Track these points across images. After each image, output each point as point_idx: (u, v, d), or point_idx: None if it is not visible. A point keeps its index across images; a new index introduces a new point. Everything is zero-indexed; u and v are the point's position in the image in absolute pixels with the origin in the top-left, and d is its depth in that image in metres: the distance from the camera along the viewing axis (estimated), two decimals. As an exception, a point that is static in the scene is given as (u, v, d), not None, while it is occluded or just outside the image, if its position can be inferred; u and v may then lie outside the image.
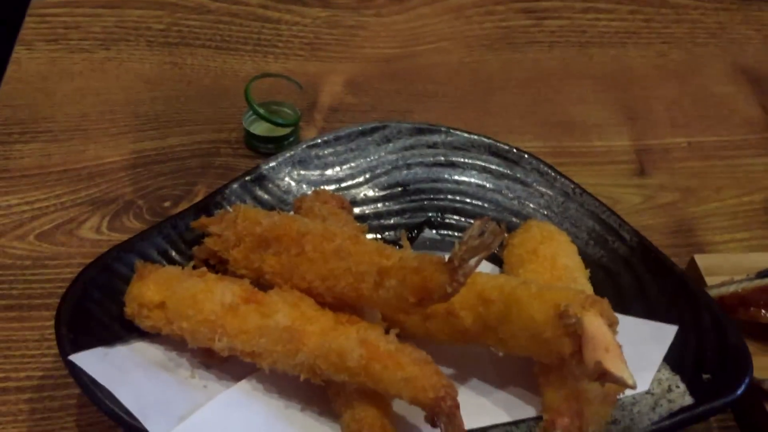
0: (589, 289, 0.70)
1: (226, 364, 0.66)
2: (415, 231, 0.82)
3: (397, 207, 0.84)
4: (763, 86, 1.12)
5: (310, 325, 0.61)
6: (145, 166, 0.94)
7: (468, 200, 0.84)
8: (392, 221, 0.83)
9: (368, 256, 0.62)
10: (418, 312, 0.62)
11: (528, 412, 0.64)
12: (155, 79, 1.06)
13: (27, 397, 0.72)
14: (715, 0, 1.27)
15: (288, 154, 0.83)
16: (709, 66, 1.16)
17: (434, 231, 0.82)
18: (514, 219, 0.82)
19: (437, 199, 0.84)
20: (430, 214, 0.83)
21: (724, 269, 0.78)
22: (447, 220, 0.83)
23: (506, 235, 0.80)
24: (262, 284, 0.67)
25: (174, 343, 0.66)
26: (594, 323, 0.57)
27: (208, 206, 0.77)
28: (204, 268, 0.68)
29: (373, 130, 0.86)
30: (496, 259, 0.78)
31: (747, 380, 0.62)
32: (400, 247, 0.65)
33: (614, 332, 0.59)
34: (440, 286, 0.58)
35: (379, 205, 0.84)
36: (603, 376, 0.55)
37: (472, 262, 0.57)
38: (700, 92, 1.11)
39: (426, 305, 0.60)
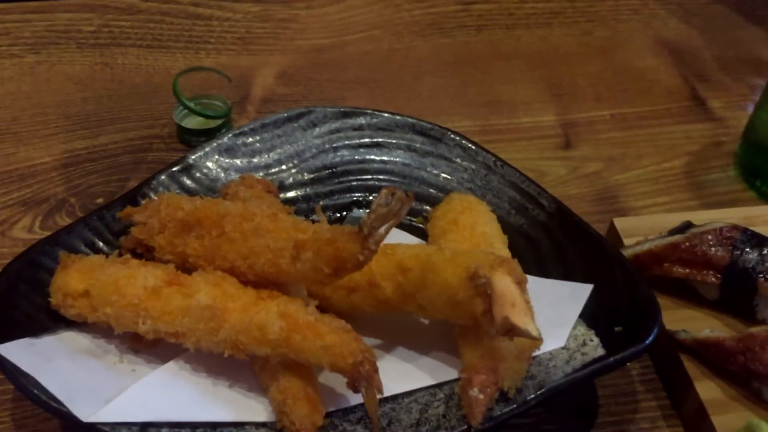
0: (506, 254, 0.72)
1: (155, 349, 0.67)
2: (345, 212, 0.84)
3: (325, 189, 0.85)
4: (683, 58, 1.16)
5: (231, 303, 0.63)
6: (77, 165, 0.95)
7: (394, 179, 0.86)
8: (321, 203, 0.84)
9: (285, 232, 0.64)
10: (334, 282, 0.64)
11: (451, 374, 0.66)
12: (86, 80, 1.07)
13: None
14: (638, -22, 1.30)
15: (215, 143, 0.84)
16: (631, 41, 1.19)
17: (362, 210, 0.84)
18: (440, 194, 0.84)
19: (364, 180, 0.86)
20: (358, 195, 0.85)
21: (640, 230, 0.81)
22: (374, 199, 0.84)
23: (428, 207, 0.82)
24: (188, 268, 0.68)
25: (102, 330, 0.67)
26: (502, 281, 0.60)
27: (135, 197, 0.78)
28: (127, 255, 0.69)
29: (299, 115, 0.88)
30: (423, 234, 0.80)
31: (656, 330, 0.65)
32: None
33: (523, 290, 0.61)
34: (353, 256, 0.60)
35: (308, 188, 0.85)
36: (510, 330, 0.57)
37: (382, 230, 0.59)
38: (623, 66, 1.15)
39: (341, 275, 0.62)
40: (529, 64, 1.15)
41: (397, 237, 0.81)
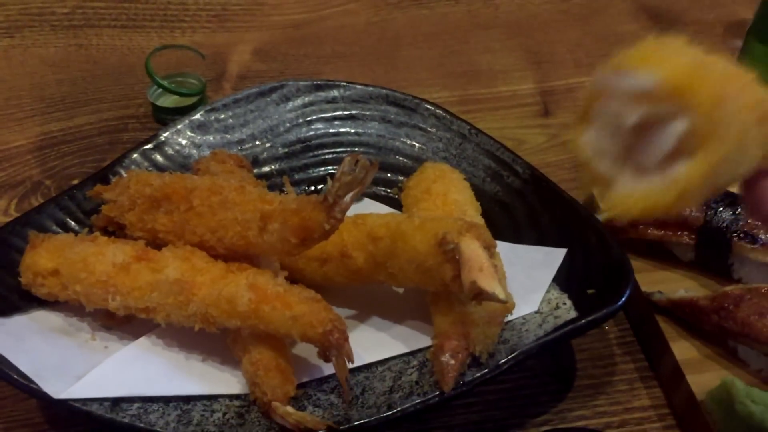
0: (478, 221, 0.72)
1: (127, 326, 0.67)
2: (320, 185, 0.84)
3: (300, 163, 0.85)
4: (661, 22, 1.15)
5: (200, 276, 0.62)
6: (52, 147, 0.94)
7: (369, 150, 0.85)
8: (296, 177, 0.84)
9: (251, 204, 0.63)
10: (302, 252, 0.64)
11: (424, 341, 0.66)
12: (61, 62, 1.06)
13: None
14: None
15: (187, 120, 0.84)
16: (612, 6, 1.18)
17: (338, 183, 0.84)
18: (415, 164, 0.83)
19: (339, 153, 0.85)
20: (333, 168, 0.85)
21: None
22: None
23: (403, 178, 0.82)
24: (159, 245, 0.68)
25: (73, 309, 0.67)
26: (470, 246, 0.59)
27: (107, 176, 0.77)
28: (96, 233, 0.68)
29: (272, 89, 0.87)
30: (398, 204, 0.80)
31: (628, 291, 0.64)
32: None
33: (492, 255, 0.61)
34: (319, 225, 0.59)
35: (282, 163, 0.85)
36: (478, 295, 0.57)
37: (347, 198, 0.59)
38: (603, 32, 1.14)
39: (309, 245, 0.61)
40: (508, 33, 1.14)
41: (372, 208, 0.81)
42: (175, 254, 0.64)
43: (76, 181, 0.90)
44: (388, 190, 0.83)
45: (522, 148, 0.94)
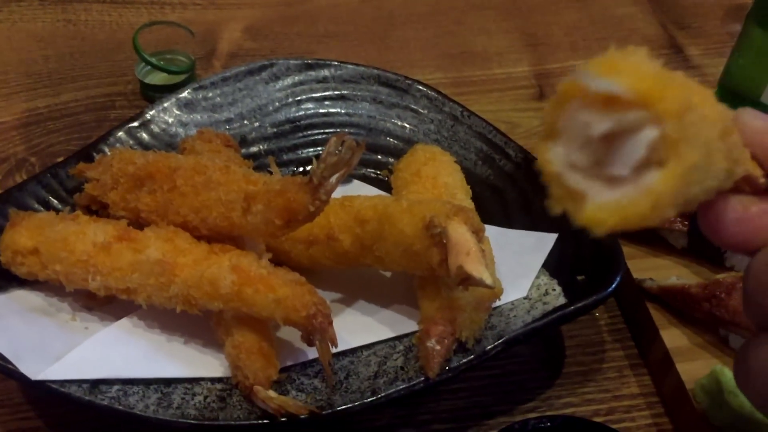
0: (468, 204, 0.71)
1: (109, 307, 0.66)
2: (309, 167, 0.82)
3: (289, 144, 0.83)
4: (661, 5, 1.13)
5: (182, 257, 0.61)
6: (38, 123, 0.93)
7: (360, 132, 0.84)
8: (285, 158, 0.83)
9: (236, 184, 0.62)
10: (286, 234, 0.62)
11: (411, 326, 0.65)
12: (48, 37, 1.04)
13: None
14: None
15: (174, 98, 0.82)
16: (610, -12, 1.16)
17: (327, 164, 0.82)
18: (406, 146, 0.82)
19: (329, 133, 0.84)
20: (322, 149, 0.83)
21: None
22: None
23: (393, 160, 0.81)
24: (142, 224, 0.67)
25: (54, 289, 0.66)
26: (458, 231, 0.58)
27: (90, 154, 0.76)
28: (78, 212, 0.67)
29: (261, 68, 0.85)
30: (388, 187, 0.78)
31: (618, 278, 0.63)
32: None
33: (480, 239, 0.59)
34: (303, 206, 0.58)
35: (271, 143, 0.83)
36: (465, 279, 0.56)
37: (333, 179, 0.58)
38: (600, 15, 1.12)
39: (293, 227, 0.60)
40: (504, 14, 1.12)
41: (362, 190, 0.79)
42: (158, 234, 0.63)
43: (61, 159, 0.89)
44: (378, 172, 0.82)
45: (516, 132, 0.93)
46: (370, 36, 1.07)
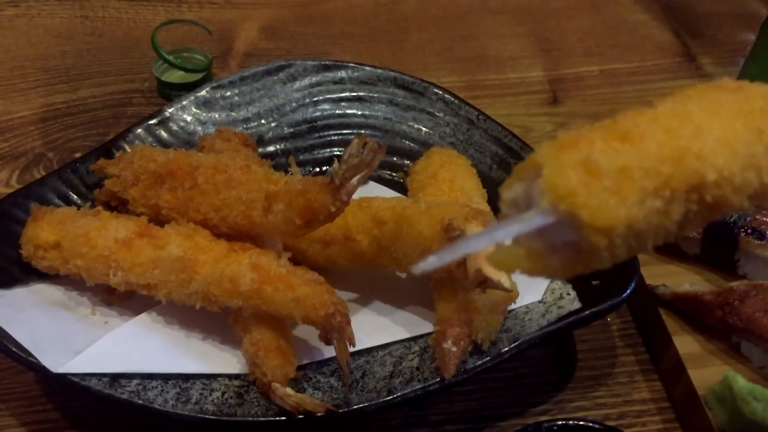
0: (484, 208, 0.71)
1: (128, 301, 0.67)
2: (325, 167, 0.83)
3: (305, 144, 0.84)
4: (675, 12, 1.13)
5: (203, 254, 0.62)
6: (55, 119, 0.93)
7: (376, 133, 0.84)
8: (301, 158, 0.83)
9: (257, 184, 0.63)
10: (306, 233, 0.63)
11: (426, 327, 0.66)
12: (66, 33, 1.05)
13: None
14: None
15: (192, 96, 0.83)
16: (624, -5, 1.17)
17: (343, 165, 0.83)
18: (422, 149, 0.83)
19: (345, 134, 0.85)
20: (338, 150, 0.84)
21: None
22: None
23: (409, 162, 0.81)
24: (161, 221, 0.67)
25: (74, 282, 0.67)
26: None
27: (110, 150, 0.77)
28: (99, 207, 0.68)
29: (279, 68, 0.86)
30: (403, 189, 0.79)
31: (633, 284, 0.64)
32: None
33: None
34: (324, 207, 0.59)
35: (288, 143, 0.84)
36: (483, 282, 0.57)
37: (354, 180, 0.58)
38: (614, 21, 1.12)
39: (313, 227, 0.61)
40: (518, 18, 1.12)
41: (377, 191, 0.80)
42: (178, 231, 0.64)
43: (78, 155, 0.90)
44: (394, 174, 0.82)
45: (529, 136, 0.94)
46: (384, 38, 1.08)
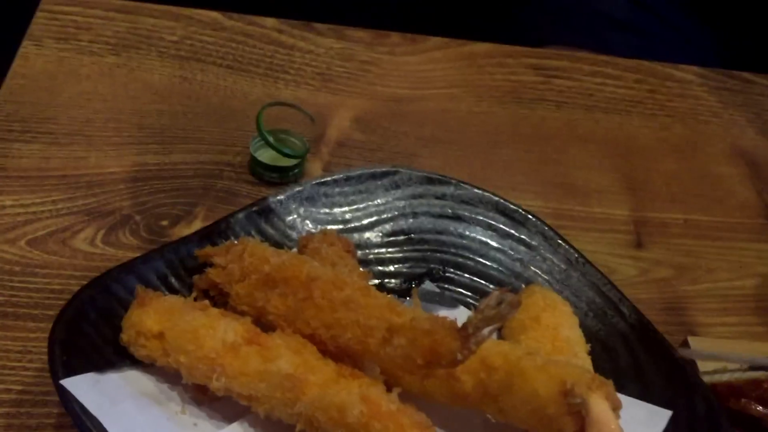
0: (589, 364, 0.70)
1: (217, 403, 0.65)
2: (415, 282, 0.82)
3: (399, 255, 0.83)
4: (758, 171, 1.14)
5: (312, 375, 0.60)
6: (145, 180, 0.92)
7: (471, 256, 0.84)
8: (392, 268, 0.82)
9: (378, 311, 0.61)
10: (421, 374, 0.61)
11: (519, 485, 0.64)
12: (163, 91, 1.05)
13: (3, 411, 0.69)
14: (718, 79, 1.29)
15: (296, 189, 0.82)
16: (709, 144, 1.18)
17: (434, 283, 0.82)
18: (514, 281, 0.82)
19: (440, 251, 0.84)
20: (432, 266, 0.83)
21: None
22: (448, 275, 0.82)
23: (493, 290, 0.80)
24: (263, 323, 0.66)
25: (166, 374, 0.65)
26: (600, 406, 0.57)
27: (211, 234, 0.76)
28: (206, 302, 0.66)
29: (384, 174, 0.86)
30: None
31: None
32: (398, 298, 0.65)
33: (617, 416, 0.58)
34: (450, 352, 0.57)
35: (382, 250, 0.83)
36: (605, 462, 0.55)
37: (486, 331, 0.57)
38: (699, 170, 1.13)
39: (433, 369, 0.59)
40: (606, 150, 1.13)
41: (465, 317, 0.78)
42: (287, 344, 0.62)
43: (165, 222, 0.89)
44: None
45: (612, 279, 0.92)
46: (474, 149, 1.08)
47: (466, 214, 0.86)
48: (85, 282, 0.69)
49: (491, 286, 0.82)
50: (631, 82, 1.25)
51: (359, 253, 0.82)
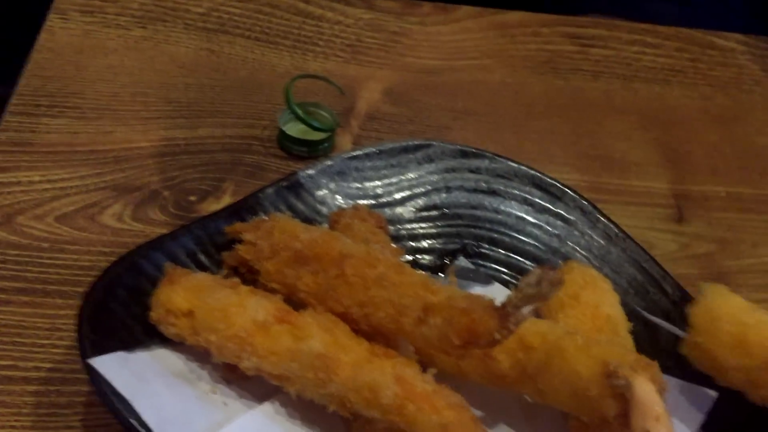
0: (630, 344, 0.68)
1: (247, 382, 0.63)
2: (449, 258, 0.80)
3: (433, 230, 0.81)
4: (806, 140, 1.10)
5: (344, 355, 0.58)
6: (173, 155, 0.91)
7: (506, 231, 0.81)
8: (426, 244, 0.80)
9: (413, 289, 0.59)
10: (458, 354, 0.59)
11: (557, 468, 0.62)
12: (190, 64, 1.03)
13: (33, 390, 0.68)
14: (762, 47, 1.24)
15: (327, 164, 0.80)
16: (752, 115, 1.13)
17: (468, 260, 0.80)
18: (551, 257, 0.79)
19: (475, 227, 0.81)
20: (466, 242, 0.81)
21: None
22: (482, 250, 0.80)
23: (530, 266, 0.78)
24: (293, 301, 0.64)
25: (196, 353, 0.63)
26: (644, 388, 0.55)
27: (240, 210, 0.74)
28: (236, 279, 0.65)
29: (417, 147, 0.83)
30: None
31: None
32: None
33: (663, 399, 0.56)
34: (489, 332, 0.55)
35: (415, 225, 0.81)
36: (649, 446, 0.53)
37: (525, 310, 0.55)
38: (741, 141, 1.09)
39: (470, 349, 0.57)
40: (644, 122, 1.09)
41: (503, 295, 0.76)
42: (318, 322, 0.60)
43: (193, 198, 0.87)
44: (519, 278, 0.79)
45: (651, 253, 0.89)
46: (509, 121, 1.05)
47: (501, 188, 0.83)
48: (113, 258, 0.68)
49: (527, 262, 0.80)
50: (671, 51, 1.21)
51: (391, 228, 0.80)
